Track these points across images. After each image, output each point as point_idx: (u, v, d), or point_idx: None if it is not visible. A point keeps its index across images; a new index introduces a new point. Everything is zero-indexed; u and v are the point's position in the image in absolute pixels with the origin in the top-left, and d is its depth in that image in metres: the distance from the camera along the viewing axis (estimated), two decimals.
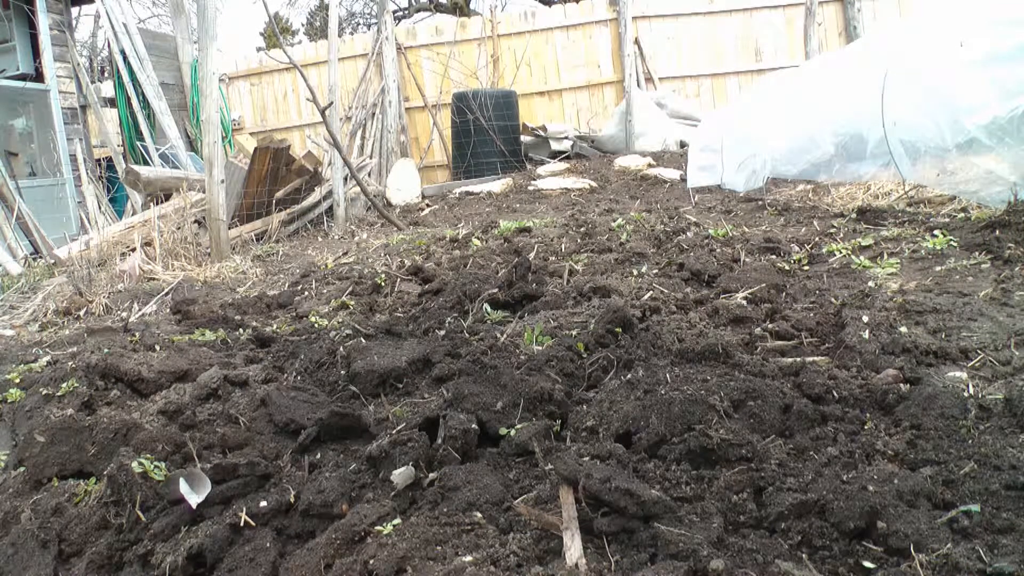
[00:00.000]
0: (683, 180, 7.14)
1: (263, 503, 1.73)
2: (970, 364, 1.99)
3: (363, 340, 2.69)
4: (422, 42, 10.75)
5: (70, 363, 2.89)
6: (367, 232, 6.71)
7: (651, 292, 2.98)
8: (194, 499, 1.75)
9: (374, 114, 10.47)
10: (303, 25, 26.80)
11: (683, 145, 8.98)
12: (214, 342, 3.26)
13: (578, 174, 8.34)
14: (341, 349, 2.57)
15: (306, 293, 4.14)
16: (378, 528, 1.56)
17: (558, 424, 1.97)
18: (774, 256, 3.48)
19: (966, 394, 1.79)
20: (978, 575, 1.22)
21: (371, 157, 9.93)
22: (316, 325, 3.22)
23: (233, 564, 1.58)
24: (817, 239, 3.72)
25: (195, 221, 6.38)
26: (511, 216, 6.21)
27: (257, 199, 7.07)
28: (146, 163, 9.10)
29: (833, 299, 2.64)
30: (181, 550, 1.61)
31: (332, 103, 7.14)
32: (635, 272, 3.45)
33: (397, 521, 1.57)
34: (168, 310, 4.17)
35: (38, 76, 8.77)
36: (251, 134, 10.88)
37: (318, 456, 1.99)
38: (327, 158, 8.21)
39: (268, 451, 2.05)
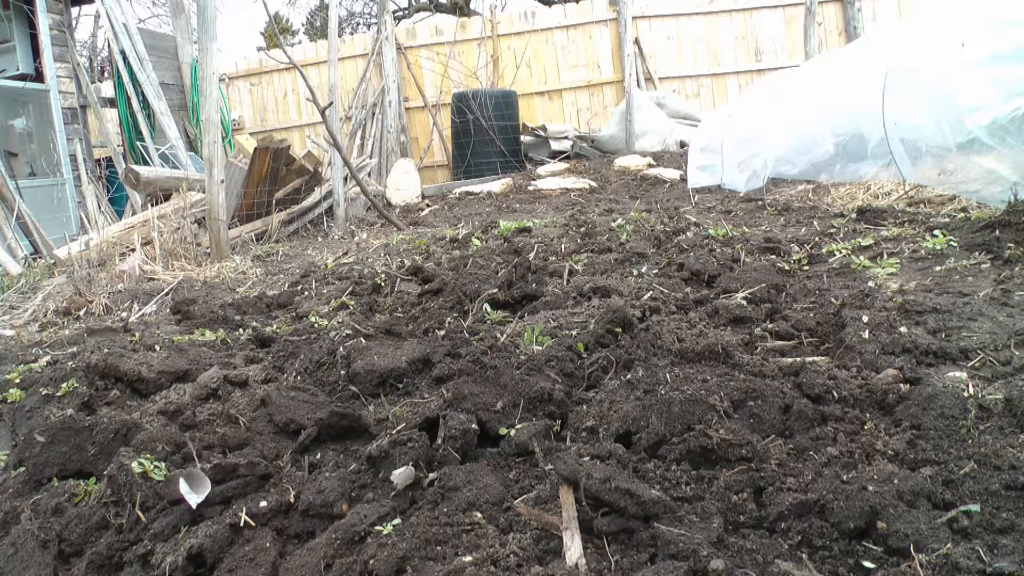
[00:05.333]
0: (683, 180, 7.14)
1: (263, 503, 1.73)
2: (970, 364, 1.99)
3: (363, 340, 2.69)
4: (422, 42, 10.75)
5: (70, 363, 2.89)
6: (367, 232, 6.71)
7: (651, 292, 2.98)
8: (194, 499, 1.75)
9: (374, 114, 10.47)
10: (303, 25, 26.81)
11: (683, 145, 8.99)
12: (214, 342, 3.26)
13: (578, 174, 8.34)
14: (341, 349, 2.57)
15: (306, 293, 4.13)
16: (378, 528, 1.56)
17: (558, 424, 1.97)
18: (774, 256, 3.48)
19: (966, 394, 1.79)
20: (978, 575, 1.22)
21: (371, 157, 9.93)
22: (316, 325, 3.22)
23: (233, 564, 1.58)
24: (817, 239, 3.72)
25: (195, 221, 6.38)
26: (511, 216, 6.21)
27: (257, 199, 7.07)
28: (146, 163, 9.10)
29: (833, 299, 2.64)
30: (181, 550, 1.61)
31: (332, 103, 7.14)
32: (635, 272, 3.45)
33: (397, 521, 1.57)
34: (168, 310, 4.16)
35: (38, 76, 8.77)
36: (251, 134, 10.87)
37: (318, 456, 1.99)
38: (327, 158, 8.22)
39: (268, 451, 2.05)
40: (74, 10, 10.39)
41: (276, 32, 7.03)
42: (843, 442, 1.70)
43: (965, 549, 1.28)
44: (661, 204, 5.92)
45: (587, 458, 1.66)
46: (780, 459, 1.63)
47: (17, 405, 2.65)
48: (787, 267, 3.24)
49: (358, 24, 20.41)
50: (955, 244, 3.07)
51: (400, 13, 17.76)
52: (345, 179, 7.66)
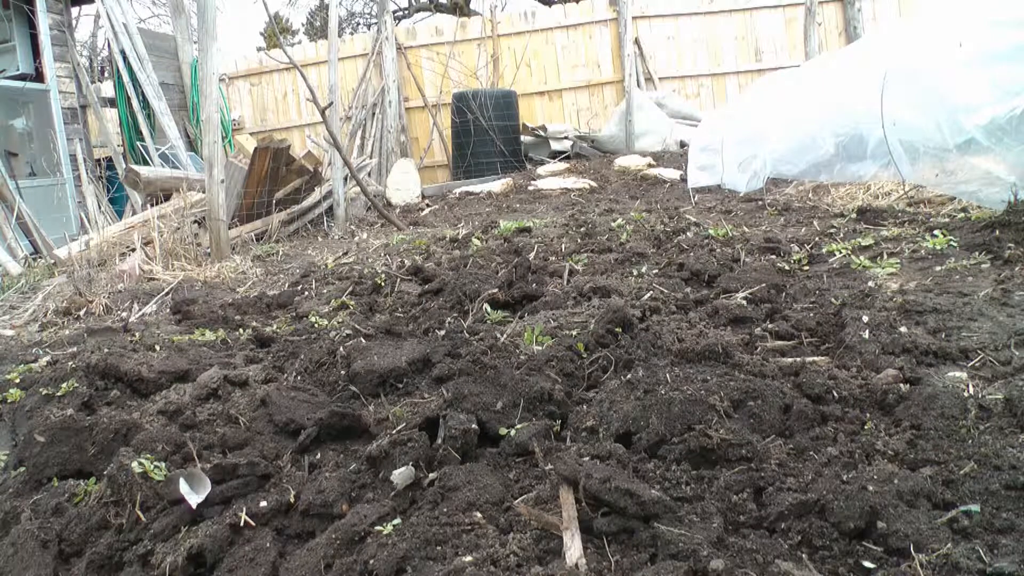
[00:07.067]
0: (683, 180, 7.14)
1: (263, 503, 1.73)
2: (970, 364, 1.99)
3: (363, 340, 2.70)
4: (422, 42, 10.75)
5: (70, 363, 2.89)
6: (367, 232, 6.71)
7: (651, 292, 2.98)
8: (194, 499, 1.75)
9: (374, 114, 10.47)
10: (303, 25, 26.81)
11: (683, 145, 8.99)
12: (214, 342, 3.26)
13: (578, 174, 8.34)
14: (341, 349, 2.57)
15: (306, 293, 4.13)
16: (378, 528, 1.56)
17: (558, 424, 1.97)
18: (774, 256, 3.48)
19: (966, 394, 1.79)
20: (978, 575, 1.22)
21: (371, 157, 9.93)
22: (316, 325, 3.22)
23: (233, 564, 1.58)
24: (817, 239, 3.72)
25: (195, 221, 6.38)
26: (511, 216, 6.21)
27: (257, 199, 7.07)
28: (146, 163, 9.10)
29: (833, 299, 2.64)
30: (181, 550, 1.61)
31: (332, 103, 7.14)
32: (635, 272, 3.45)
33: (397, 521, 1.57)
34: (168, 310, 4.17)
35: (38, 76, 8.76)
36: (251, 134, 10.87)
37: (318, 456, 1.99)
38: (327, 158, 8.21)
39: (268, 451, 2.05)
40: (74, 10, 10.38)
41: (276, 32, 7.03)
42: (843, 442, 1.70)
43: (965, 549, 1.28)
44: (661, 204, 5.92)
45: (587, 458, 1.66)
46: (780, 459, 1.63)
47: (17, 405, 2.64)
48: (787, 267, 3.24)
49: (358, 24, 20.41)
50: (955, 244, 3.07)
51: (400, 13, 17.76)
52: (345, 179, 7.66)
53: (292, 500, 1.75)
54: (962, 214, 3.65)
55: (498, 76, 10.55)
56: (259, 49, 22.91)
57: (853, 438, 1.72)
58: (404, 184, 8.85)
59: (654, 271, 3.44)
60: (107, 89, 10.22)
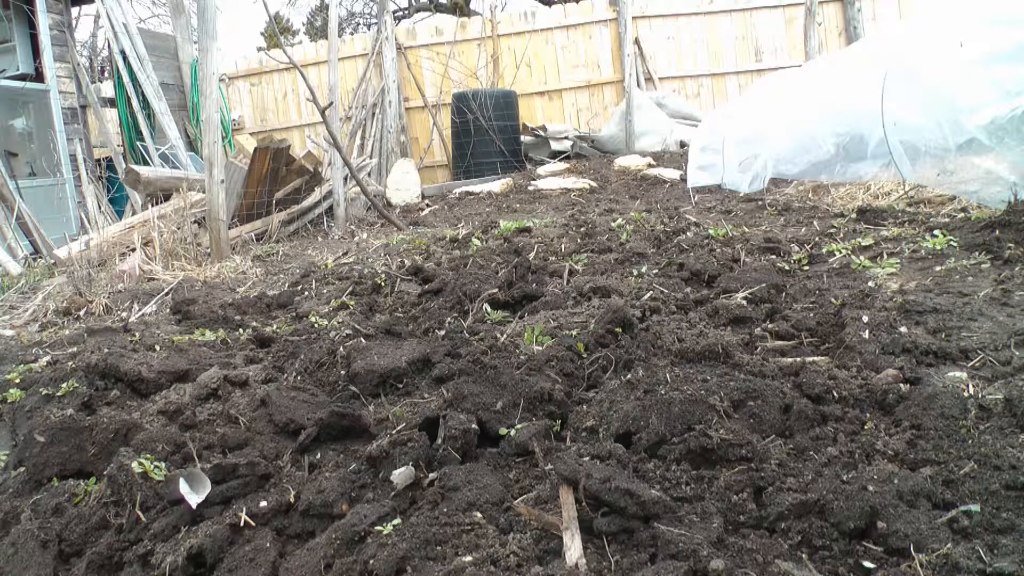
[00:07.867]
0: (683, 180, 7.14)
1: (263, 503, 1.73)
2: (970, 364, 1.99)
3: (363, 340, 2.69)
4: (422, 42, 10.75)
5: (70, 363, 2.89)
6: (367, 232, 6.71)
7: (651, 292, 2.98)
8: (194, 499, 1.75)
9: (374, 114, 10.47)
10: (303, 25, 26.81)
11: (683, 145, 8.99)
12: (214, 342, 3.26)
13: (578, 174, 8.34)
14: (341, 349, 2.57)
15: (306, 293, 4.13)
16: (378, 528, 1.56)
17: (558, 424, 1.97)
18: (774, 256, 3.48)
19: (966, 394, 1.79)
20: (978, 575, 1.22)
21: (371, 157, 9.93)
22: (316, 325, 3.22)
23: (233, 564, 1.58)
24: (817, 239, 3.72)
25: (195, 221, 6.38)
26: (511, 216, 6.21)
27: (257, 199, 7.07)
28: (146, 163, 9.10)
29: (833, 299, 2.64)
30: (181, 550, 1.61)
31: (332, 103, 7.14)
32: (635, 272, 3.45)
33: (397, 521, 1.57)
34: (168, 310, 4.16)
35: (38, 76, 8.77)
36: (251, 134, 10.87)
37: (318, 456, 1.99)
38: (327, 158, 8.22)
39: (268, 451, 2.05)
40: (74, 10, 10.39)
41: (276, 32, 7.03)
42: (843, 442, 1.70)
43: (965, 549, 1.28)
44: (661, 204, 5.92)
45: (587, 458, 1.66)
46: (780, 459, 1.63)
47: (17, 405, 2.64)
48: (787, 267, 3.24)
49: (358, 24, 20.40)
50: (955, 244, 3.07)
51: (400, 13, 17.76)
52: (345, 179, 7.66)
53: (292, 500, 1.74)
54: (962, 214, 3.65)
55: (498, 76, 10.55)
56: (259, 49, 22.90)
57: (853, 438, 1.72)
58: (404, 184, 8.85)
59: (654, 271, 3.44)
60: (107, 89, 10.22)
